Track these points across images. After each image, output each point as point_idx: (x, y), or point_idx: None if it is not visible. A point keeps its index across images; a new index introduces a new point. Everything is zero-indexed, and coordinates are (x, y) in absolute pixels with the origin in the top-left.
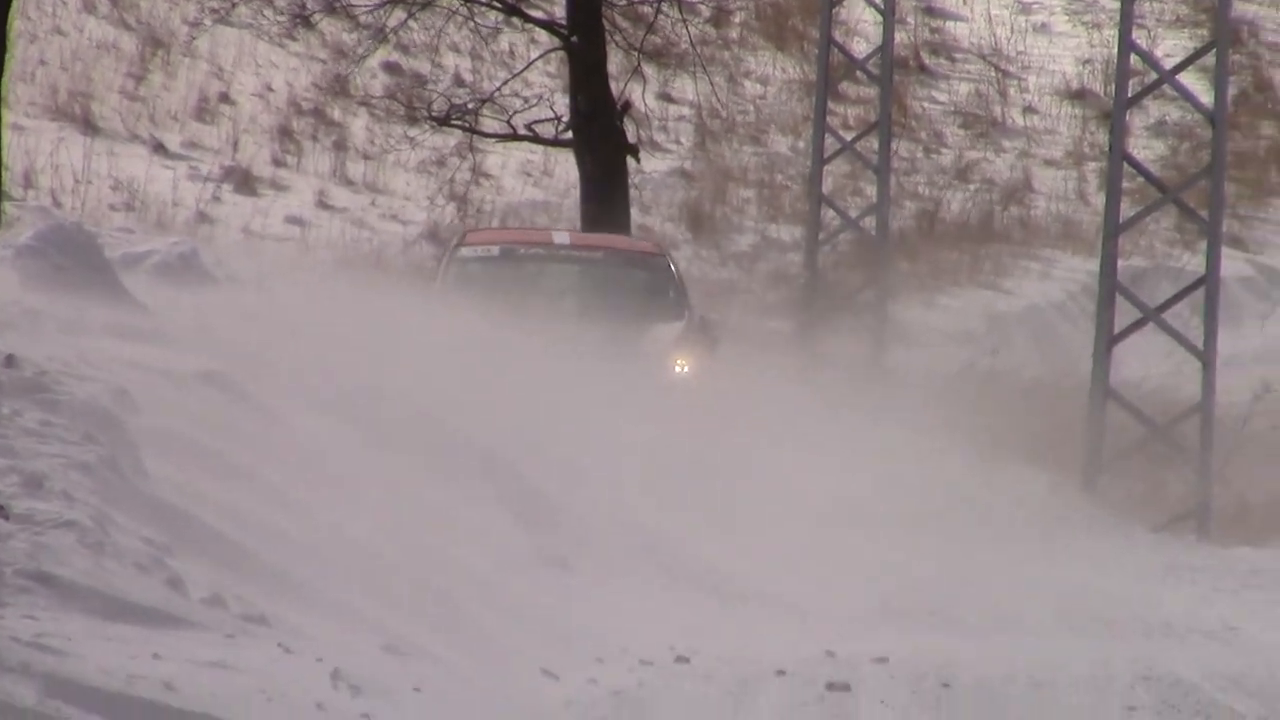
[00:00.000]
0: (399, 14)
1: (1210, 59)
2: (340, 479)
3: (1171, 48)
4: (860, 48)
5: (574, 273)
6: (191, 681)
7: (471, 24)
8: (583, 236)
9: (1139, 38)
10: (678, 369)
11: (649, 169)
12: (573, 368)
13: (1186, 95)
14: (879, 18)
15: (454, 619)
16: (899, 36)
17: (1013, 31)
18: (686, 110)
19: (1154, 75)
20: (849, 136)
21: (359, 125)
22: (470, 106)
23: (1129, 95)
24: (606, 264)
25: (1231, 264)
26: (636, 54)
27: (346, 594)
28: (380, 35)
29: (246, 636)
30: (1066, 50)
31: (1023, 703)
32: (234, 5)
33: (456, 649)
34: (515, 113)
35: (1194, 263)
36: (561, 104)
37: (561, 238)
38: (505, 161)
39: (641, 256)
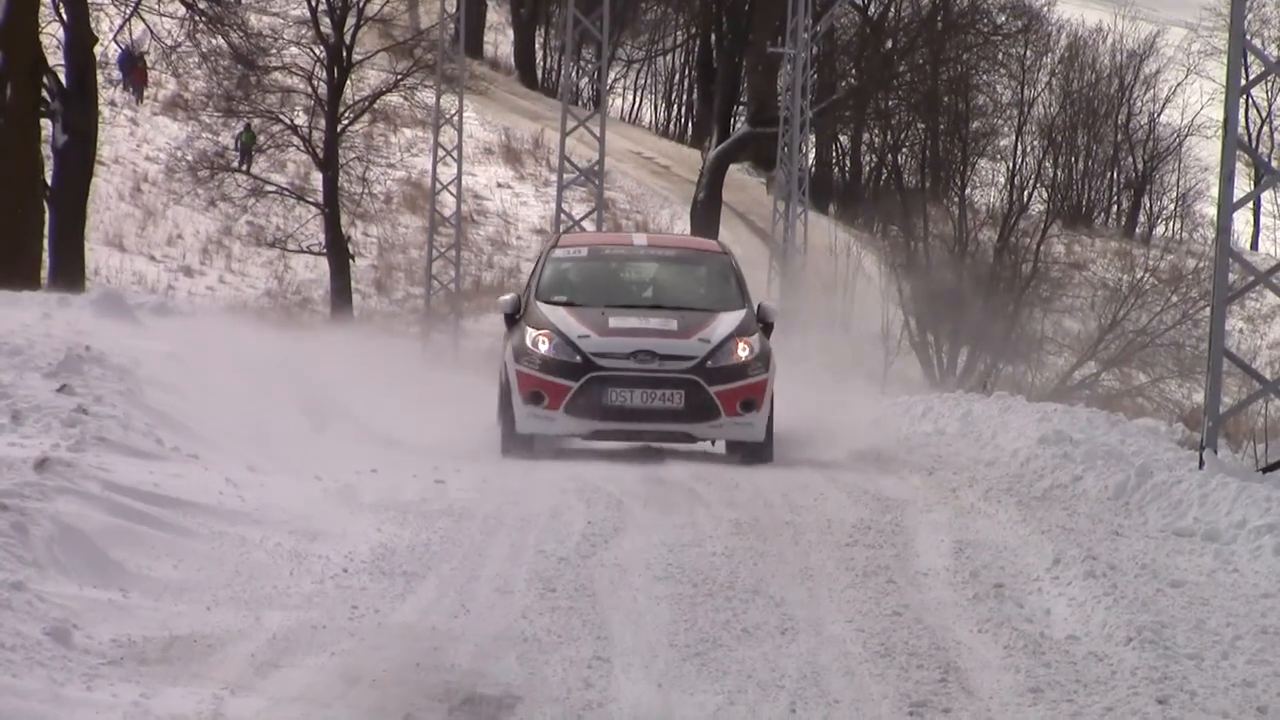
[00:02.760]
0: None
1: None
2: (228, 397)
3: None
4: None
5: (652, 270)
6: (166, 482)
7: None
8: (658, 237)
9: None
10: (741, 350)
11: None
12: None
13: None
14: None
15: (273, 457)
16: None
17: None
18: None
19: None
20: None
21: None
22: None
23: None
24: (676, 261)
25: None
26: None
27: (233, 446)
28: None
29: (187, 464)
30: None
31: None
32: None
33: (288, 472)
34: None
35: None
36: None
37: (640, 239)
38: None
39: (706, 254)
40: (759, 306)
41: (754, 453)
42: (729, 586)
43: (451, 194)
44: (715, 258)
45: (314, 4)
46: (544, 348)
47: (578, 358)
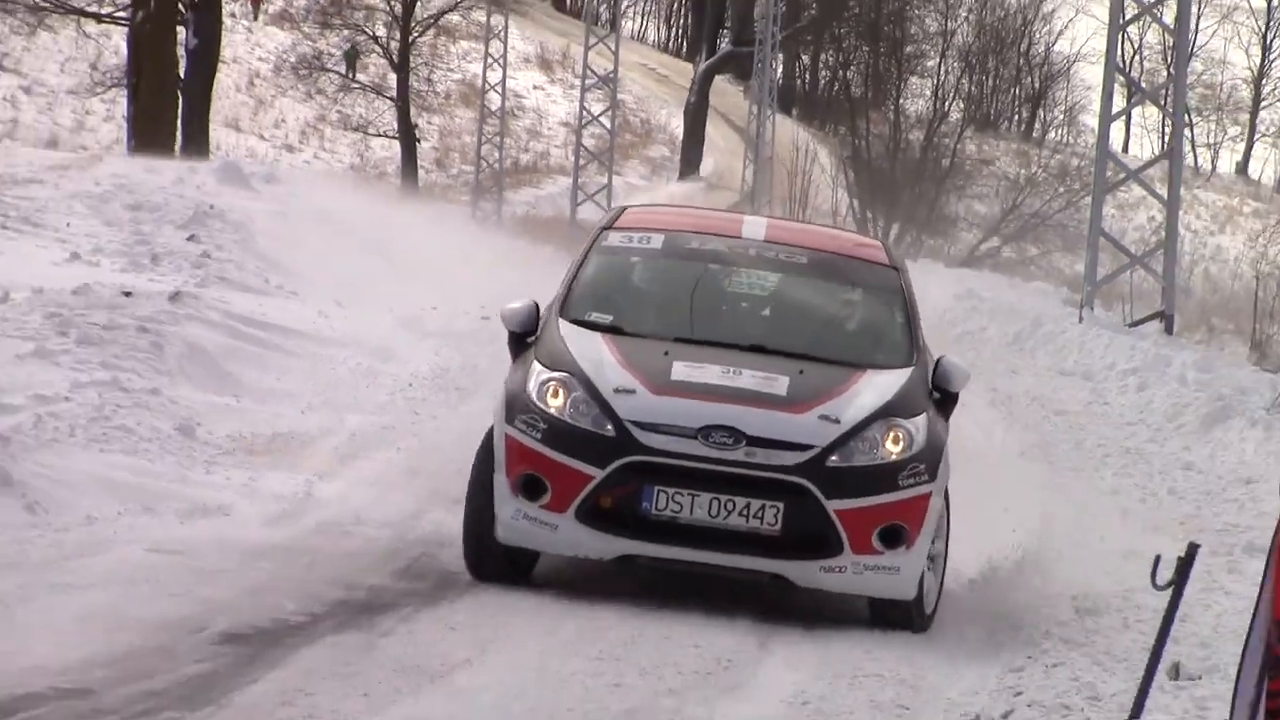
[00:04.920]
0: None
1: None
2: (323, 245)
3: None
4: None
5: (766, 284)
6: (271, 313)
7: None
8: (786, 229)
9: None
10: (891, 443)
11: None
12: None
13: None
14: None
15: (355, 295)
16: None
17: None
18: None
19: None
20: None
21: None
22: None
23: None
24: (812, 271)
25: None
26: None
27: (324, 285)
28: None
29: (289, 298)
30: None
31: None
32: None
33: (367, 307)
34: None
35: None
36: None
37: (755, 228)
38: None
39: (863, 266)
40: (937, 364)
41: (895, 615)
42: None
43: (497, 93)
44: (877, 272)
45: None
46: (555, 404)
47: (609, 427)
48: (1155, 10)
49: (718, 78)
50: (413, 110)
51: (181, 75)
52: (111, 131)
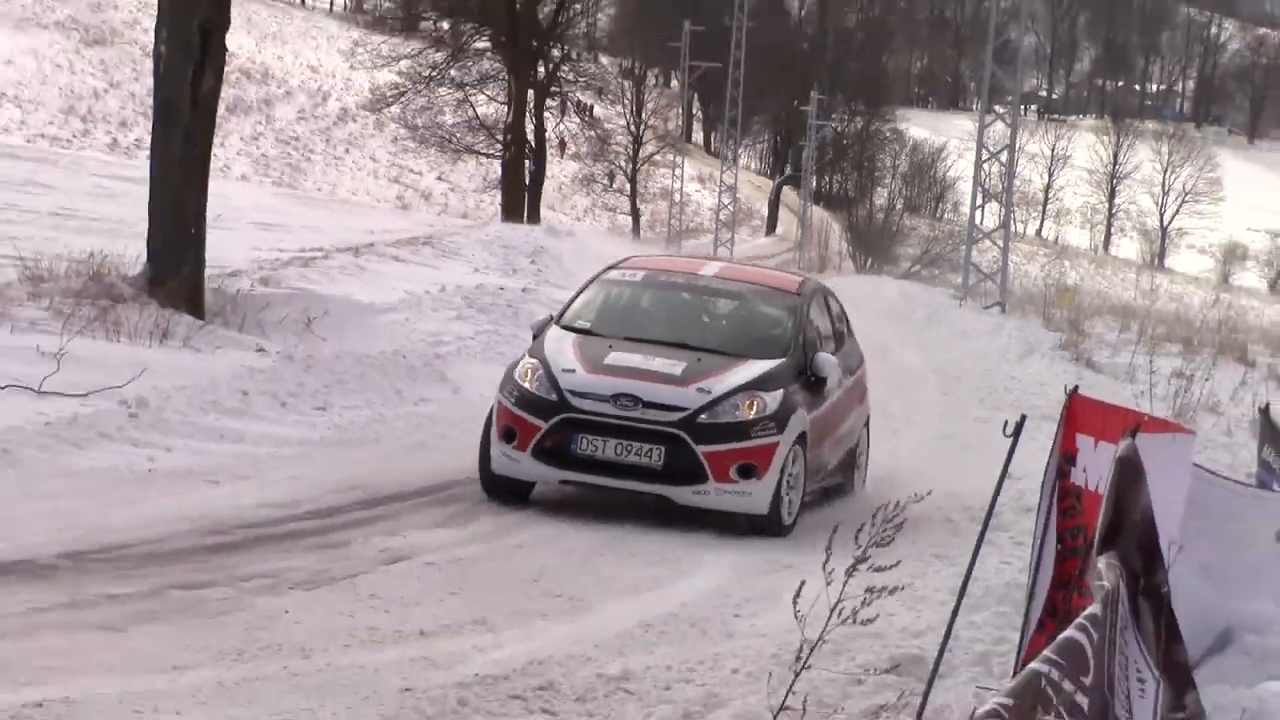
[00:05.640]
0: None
1: None
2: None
3: None
4: None
5: (700, 304)
6: (491, 290)
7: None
8: (735, 269)
9: None
10: (748, 407)
11: None
12: None
13: None
14: None
15: (514, 270)
16: None
17: None
18: None
19: None
20: None
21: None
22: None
23: None
24: (738, 296)
25: None
26: None
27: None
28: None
29: (513, 277)
30: None
31: None
32: None
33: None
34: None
35: None
36: None
37: (711, 268)
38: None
39: (775, 293)
40: (814, 359)
41: (760, 526)
42: None
43: (678, 194)
44: (783, 297)
45: (627, 121)
46: (527, 380)
47: (553, 395)
48: (998, 156)
49: (785, 187)
50: (638, 201)
51: (526, 183)
52: (492, 210)
